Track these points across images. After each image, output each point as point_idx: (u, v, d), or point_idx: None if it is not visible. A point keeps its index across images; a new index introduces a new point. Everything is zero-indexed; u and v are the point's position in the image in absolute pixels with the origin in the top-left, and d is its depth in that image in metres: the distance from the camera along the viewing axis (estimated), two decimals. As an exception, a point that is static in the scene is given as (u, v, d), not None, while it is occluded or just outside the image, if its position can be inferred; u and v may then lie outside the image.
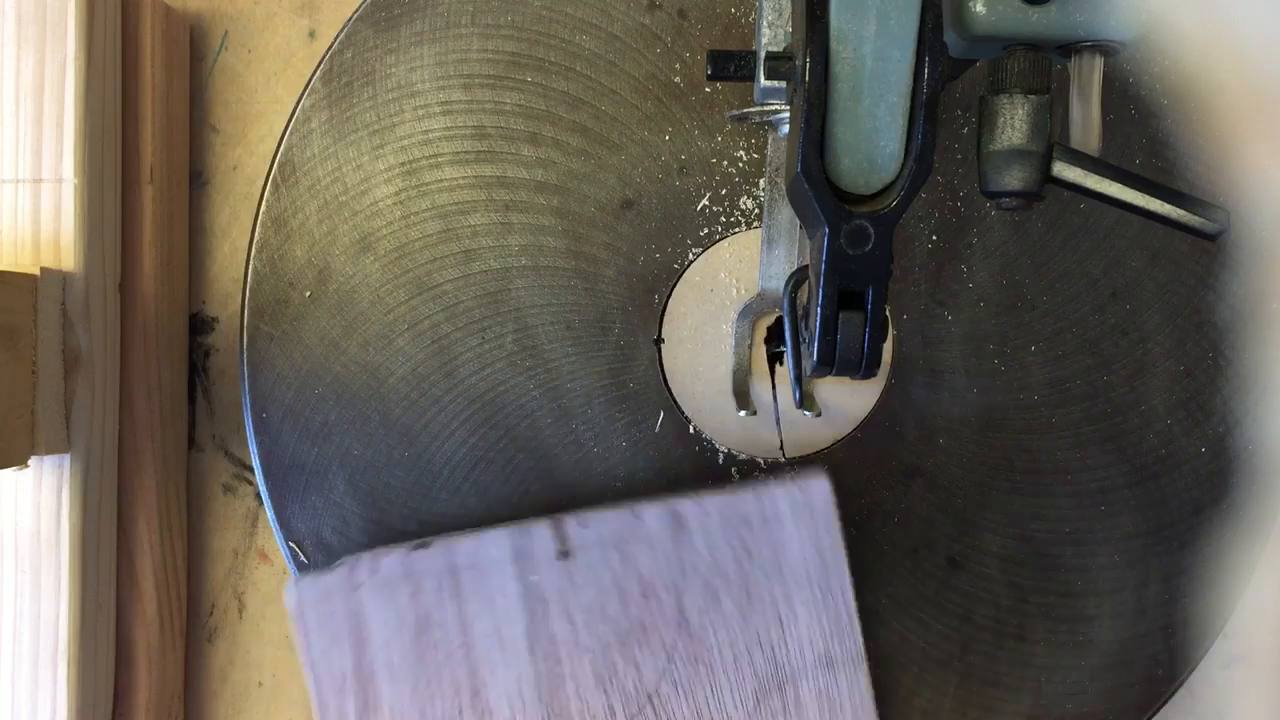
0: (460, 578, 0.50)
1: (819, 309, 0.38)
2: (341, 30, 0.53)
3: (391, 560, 0.50)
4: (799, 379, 0.46)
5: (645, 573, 0.50)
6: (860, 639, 0.50)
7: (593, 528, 0.50)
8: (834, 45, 0.36)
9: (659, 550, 0.50)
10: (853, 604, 0.50)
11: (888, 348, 0.53)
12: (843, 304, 0.38)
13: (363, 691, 0.49)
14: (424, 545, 0.50)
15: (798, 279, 0.44)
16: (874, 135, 0.37)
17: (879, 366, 0.39)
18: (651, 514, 0.50)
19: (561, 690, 0.49)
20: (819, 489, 0.50)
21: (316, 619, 0.50)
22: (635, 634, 0.50)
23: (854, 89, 0.37)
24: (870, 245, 0.37)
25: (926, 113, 0.37)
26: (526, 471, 0.53)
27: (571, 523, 0.50)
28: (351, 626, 0.50)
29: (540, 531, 0.50)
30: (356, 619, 0.50)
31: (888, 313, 0.50)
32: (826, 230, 0.37)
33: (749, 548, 0.50)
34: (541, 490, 0.53)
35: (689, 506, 0.50)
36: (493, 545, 0.50)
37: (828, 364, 0.39)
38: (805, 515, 0.50)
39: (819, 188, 0.37)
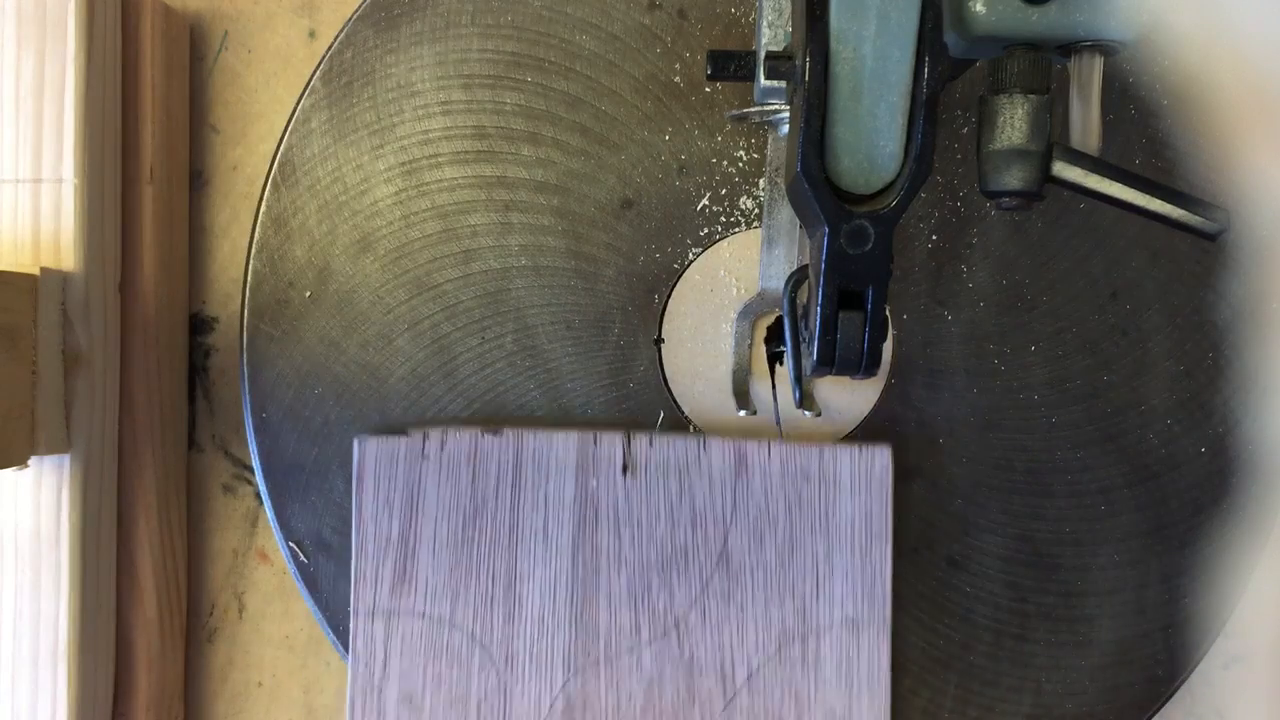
0: (522, 471, 0.51)
1: (819, 309, 0.38)
2: (341, 30, 0.53)
3: (461, 439, 0.51)
4: (799, 379, 0.46)
5: (699, 503, 0.51)
6: (889, 609, 0.51)
7: (658, 449, 0.51)
8: (834, 45, 0.36)
9: (717, 484, 0.51)
10: (889, 574, 0.51)
11: (888, 348, 0.53)
12: (843, 304, 0.38)
13: (403, 560, 0.51)
14: (495, 432, 0.51)
15: (798, 279, 0.44)
16: (874, 135, 0.37)
17: (879, 366, 0.39)
18: (717, 448, 0.51)
19: (594, 598, 0.51)
20: (881, 458, 0.51)
21: (375, 479, 0.51)
22: (676, 560, 0.51)
23: (854, 89, 0.37)
24: (870, 245, 0.37)
25: (926, 113, 0.37)
26: (526, 471, 0.53)
27: (641, 440, 0.51)
28: (408, 495, 0.51)
29: (609, 442, 0.51)
30: (414, 489, 0.51)
31: (888, 313, 0.50)
32: (826, 230, 0.37)
33: (803, 500, 0.51)
34: (541, 490, 0.53)
35: (754, 448, 0.51)
36: (560, 446, 0.51)
37: (828, 364, 0.39)
38: (862, 480, 0.51)
39: (819, 188, 0.37)
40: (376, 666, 0.51)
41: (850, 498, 0.51)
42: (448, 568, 0.51)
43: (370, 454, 0.51)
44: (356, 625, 0.51)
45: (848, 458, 0.51)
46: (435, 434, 0.51)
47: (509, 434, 0.51)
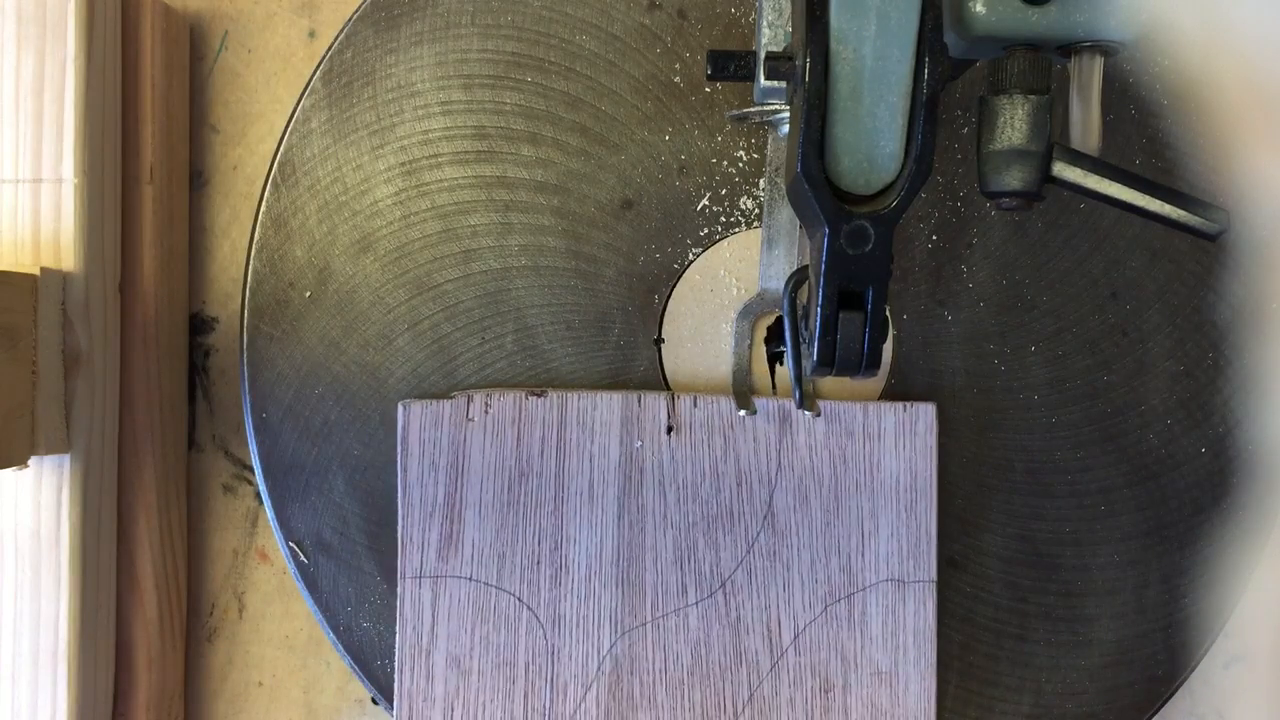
0: (567, 432, 0.51)
1: (819, 309, 0.38)
2: (341, 30, 0.53)
3: (505, 402, 0.51)
4: (799, 379, 0.46)
5: (744, 462, 0.51)
6: (934, 566, 0.51)
7: (702, 409, 0.51)
8: (834, 45, 0.36)
9: (761, 443, 0.51)
10: (934, 531, 0.51)
11: (888, 348, 0.53)
12: (843, 304, 0.38)
13: (449, 523, 0.51)
14: (538, 394, 0.51)
15: (798, 279, 0.44)
16: (874, 135, 0.37)
17: (879, 366, 0.39)
18: (761, 406, 0.51)
19: (640, 560, 0.51)
20: (925, 414, 0.51)
21: (420, 443, 0.51)
22: (722, 519, 0.51)
23: (854, 89, 0.37)
24: (870, 245, 0.37)
25: (926, 113, 0.37)
26: (526, 471, 0.53)
27: (685, 400, 0.51)
28: (453, 458, 0.51)
29: (653, 402, 0.51)
30: (459, 451, 0.51)
31: (888, 313, 0.50)
32: (826, 230, 0.37)
33: (847, 457, 0.51)
34: (541, 490, 0.53)
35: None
36: (604, 407, 0.51)
37: (828, 364, 0.39)
38: (906, 437, 0.51)
39: (819, 188, 0.37)
40: (424, 630, 0.51)
41: (895, 454, 0.51)
42: (494, 530, 0.51)
43: (415, 418, 0.51)
44: (403, 589, 0.51)
45: (891, 414, 0.51)
46: (479, 396, 0.51)
47: (553, 396, 0.51)
